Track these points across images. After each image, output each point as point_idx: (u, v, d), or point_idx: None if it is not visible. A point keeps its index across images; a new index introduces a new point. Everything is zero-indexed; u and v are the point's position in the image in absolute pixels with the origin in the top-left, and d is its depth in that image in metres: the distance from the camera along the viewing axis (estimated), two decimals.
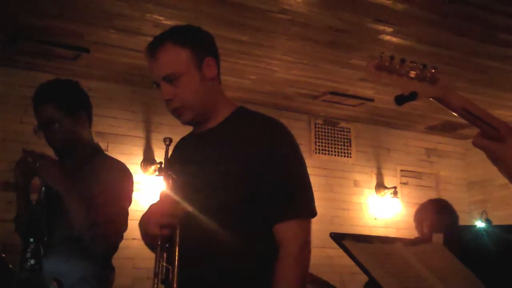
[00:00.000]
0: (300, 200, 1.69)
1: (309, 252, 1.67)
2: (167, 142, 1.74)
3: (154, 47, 1.74)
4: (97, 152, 2.43)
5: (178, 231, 1.61)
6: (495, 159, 1.34)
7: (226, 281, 1.64)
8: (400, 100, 1.30)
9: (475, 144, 1.35)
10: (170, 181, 1.68)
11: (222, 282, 1.64)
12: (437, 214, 3.11)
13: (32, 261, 2.13)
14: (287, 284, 1.60)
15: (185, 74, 1.72)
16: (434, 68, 1.33)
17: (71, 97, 2.37)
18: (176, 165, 1.82)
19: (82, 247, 2.16)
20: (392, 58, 1.29)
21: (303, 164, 1.74)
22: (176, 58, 1.72)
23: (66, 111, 2.31)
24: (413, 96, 1.30)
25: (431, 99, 1.35)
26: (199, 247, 1.64)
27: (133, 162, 4.74)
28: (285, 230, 1.65)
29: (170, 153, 1.78)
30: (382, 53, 1.30)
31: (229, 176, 1.67)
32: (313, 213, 1.71)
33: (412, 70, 1.31)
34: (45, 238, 2.18)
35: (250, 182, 1.65)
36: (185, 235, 1.63)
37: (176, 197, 1.65)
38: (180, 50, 1.73)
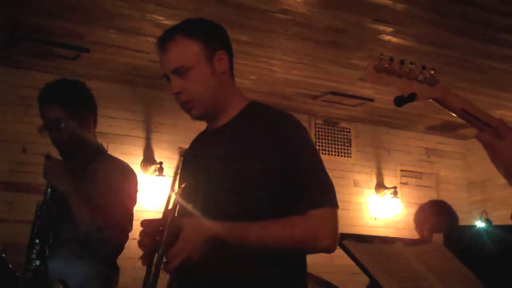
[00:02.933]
0: (326, 188, 1.63)
1: (332, 243, 1.56)
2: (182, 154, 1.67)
3: (165, 40, 1.70)
4: (101, 152, 2.44)
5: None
6: (493, 156, 1.35)
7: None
8: (400, 101, 1.31)
9: (477, 137, 1.36)
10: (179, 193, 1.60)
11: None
12: (437, 217, 3.10)
13: (37, 262, 2.14)
14: (290, 229, 1.54)
15: (195, 67, 1.67)
16: (433, 70, 1.33)
17: (78, 97, 2.37)
18: (189, 167, 1.77)
19: (87, 248, 2.16)
20: (391, 59, 1.30)
21: (318, 154, 1.70)
22: (186, 50, 1.68)
23: (72, 111, 2.31)
24: (412, 97, 1.31)
25: (430, 100, 1.36)
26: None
27: (133, 162, 4.74)
28: (317, 216, 1.57)
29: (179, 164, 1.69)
30: (382, 55, 1.31)
31: (245, 174, 1.61)
32: (337, 203, 1.64)
33: (411, 72, 1.32)
34: (51, 240, 2.18)
35: (268, 178, 1.60)
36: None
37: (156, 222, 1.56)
38: (191, 42, 1.69)
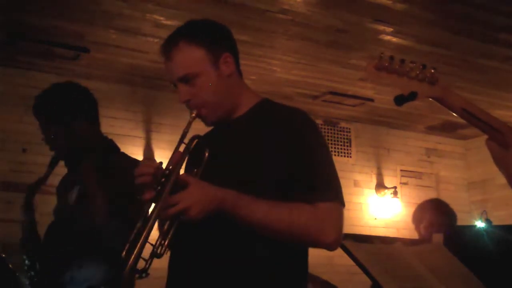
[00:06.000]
0: (336, 185, 1.64)
1: (335, 239, 1.57)
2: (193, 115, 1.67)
3: (168, 47, 1.69)
4: (111, 150, 2.39)
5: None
6: (499, 164, 1.35)
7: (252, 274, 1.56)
8: (400, 100, 1.31)
9: (487, 144, 1.36)
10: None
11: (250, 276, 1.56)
12: (434, 214, 3.10)
13: (32, 273, 2.23)
14: (293, 215, 1.52)
15: (201, 74, 1.66)
16: (434, 69, 1.33)
17: (60, 108, 2.29)
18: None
19: (100, 242, 2.16)
20: (391, 58, 1.30)
21: (329, 151, 1.70)
22: (191, 58, 1.66)
23: (58, 123, 2.28)
24: (412, 96, 1.30)
25: (430, 99, 1.36)
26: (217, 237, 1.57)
27: None
28: (326, 209, 1.58)
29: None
30: (382, 53, 1.30)
31: (254, 165, 1.60)
32: (344, 202, 1.66)
33: (412, 71, 1.32)
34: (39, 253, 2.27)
35: (278, 170, 1.59)
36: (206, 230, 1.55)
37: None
38: (194, 49, 1.66)
